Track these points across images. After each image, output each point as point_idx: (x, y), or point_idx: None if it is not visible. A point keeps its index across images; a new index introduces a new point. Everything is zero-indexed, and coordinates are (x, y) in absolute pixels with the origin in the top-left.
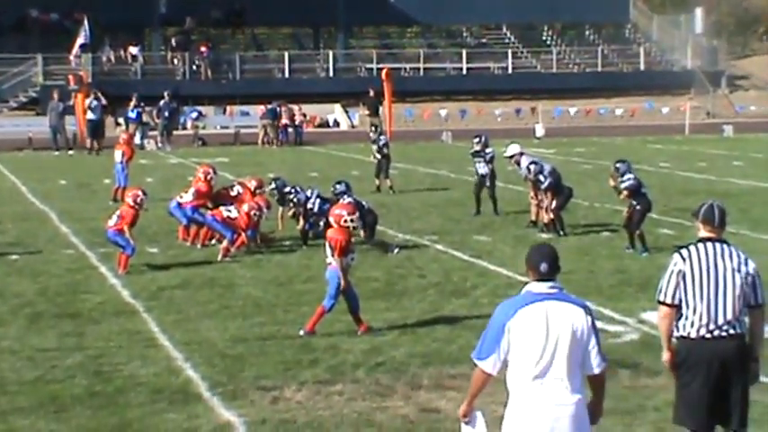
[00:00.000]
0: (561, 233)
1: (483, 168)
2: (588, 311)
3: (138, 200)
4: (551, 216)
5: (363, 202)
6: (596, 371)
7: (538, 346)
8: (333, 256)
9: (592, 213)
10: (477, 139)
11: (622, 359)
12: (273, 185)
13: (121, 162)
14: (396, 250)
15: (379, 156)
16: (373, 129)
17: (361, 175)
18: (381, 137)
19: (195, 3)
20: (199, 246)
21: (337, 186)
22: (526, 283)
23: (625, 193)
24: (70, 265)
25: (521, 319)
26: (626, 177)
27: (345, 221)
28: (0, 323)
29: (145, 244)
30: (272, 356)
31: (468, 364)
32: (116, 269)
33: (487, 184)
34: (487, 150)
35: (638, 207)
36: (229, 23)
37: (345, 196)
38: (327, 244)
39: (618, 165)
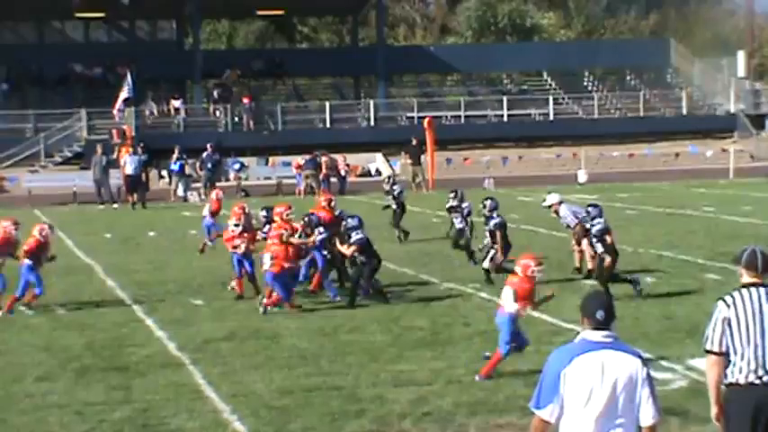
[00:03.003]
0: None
1: (460, 223)
2: (644, 362)
3: (44, 233)
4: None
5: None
6: (651, 422)
7: (592, 394)
8: (513, 302)
9: (636, 259)
10: (452, 194)
11: (671, 406)
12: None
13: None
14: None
15: (395, 206)
16: (387, 179)
17: (402, 224)
18: (395, 186)
19: (236, 55)
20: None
21: (349, 221)
22: (570, 329)
23: (594, 239)
24: (116, 318)
25: (576, 368)
26: (596, 222)
27: (533, 272)
28: (48, 378)
29: (190, 296)
30: (319, 408)
31: (515, 413)
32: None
33: (466, 236)
34: (464, 205)
35: (602, 256)
36: (270, 74)
37: (358, 232)
38: (508, 290)
39: (589, 209)
